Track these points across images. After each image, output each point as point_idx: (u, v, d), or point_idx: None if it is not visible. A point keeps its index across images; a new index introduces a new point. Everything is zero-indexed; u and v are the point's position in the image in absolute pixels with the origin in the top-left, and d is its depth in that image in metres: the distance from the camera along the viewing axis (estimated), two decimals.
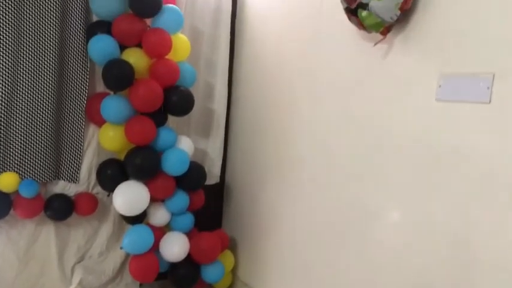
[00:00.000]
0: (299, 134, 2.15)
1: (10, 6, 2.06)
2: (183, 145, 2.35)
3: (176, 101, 2.26)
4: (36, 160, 2.21)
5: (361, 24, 1.56)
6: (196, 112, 2.60)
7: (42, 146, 2.21)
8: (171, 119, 2.45)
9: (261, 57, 2.47)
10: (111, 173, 2.22)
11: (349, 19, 1.62)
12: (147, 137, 2.17)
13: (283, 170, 2.27)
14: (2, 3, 2.04)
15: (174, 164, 2.26)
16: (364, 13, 1.51)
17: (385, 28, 1.52)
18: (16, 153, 2.16)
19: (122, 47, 2.19)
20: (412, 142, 1.52)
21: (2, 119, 2.11)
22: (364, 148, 1.73)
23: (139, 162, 2.17)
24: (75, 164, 2.33)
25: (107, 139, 2.22)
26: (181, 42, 2.33)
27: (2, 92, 2.10)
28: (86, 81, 2.27)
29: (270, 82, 2.40)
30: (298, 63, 2.16)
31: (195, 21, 2.57)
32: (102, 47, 2.11)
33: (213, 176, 2.73)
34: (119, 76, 2.09)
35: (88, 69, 2.27)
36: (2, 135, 2.12)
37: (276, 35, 2.35)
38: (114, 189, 2.18)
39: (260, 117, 2.49)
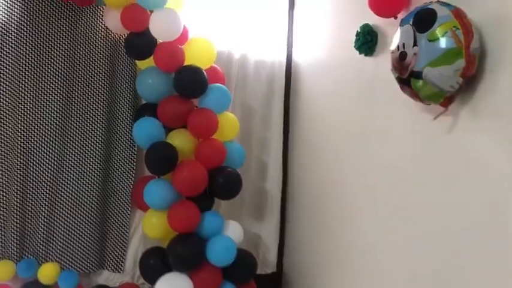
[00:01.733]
0: (365, 214, 1.87)
1: (61, 90, 2.11)
2: (231, 231, 2.15)
3: (222, 183, 2.10)
4: (80, 249, 2.14)
5: (416, 96, 1.32)
6: (248, 193, 2.43)
7: (86, 233, 2.15)
8: (222, 201, 2.29)
9: (316, 134, 2.28)
10: (154, 264, 2.06)
11: (402, 90, 1.39)
12: (190, 224, 2.02)
13: (350, 256, 1.97)
14: (53, 90, 2.09)
15: (219, 253, 2.05)
16: (418, 83, 1.28)
17: (445, 99, 1.27)
18: (59, 242, 2.11)
19: (169, 129, 2.14)
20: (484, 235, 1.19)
21: (46, 206, 2.09)
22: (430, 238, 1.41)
23: (181, 252, 2.00)
24: (120, 253, 2.23)
25: (151, 226, 2.09)
26: (229, 121, 2.21)
27: (47, 179, 2.09)
28: (133, 165, 2.22)
29: (327, 160, 2.18)
30: (353, 141, 1.93)
31: (247, 98, 2.47)
32: (146, 130, 2.05)
33: (268, 264, 2.48)
34: (160, 159, 2.00)
35: (135, 153, 2.23)
36: (44, 223, 2.08)
37: (330, 113, 2.16)
38: (156, 282, 2.01)
39: (319, 197, 2.25)
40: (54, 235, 2.11)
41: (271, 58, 2.50)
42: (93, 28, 2.15)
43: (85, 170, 2.16)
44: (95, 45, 2.16)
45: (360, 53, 1.79)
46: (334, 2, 2.14)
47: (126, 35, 2.07)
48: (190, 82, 2.06)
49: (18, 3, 2.03)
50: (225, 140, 2.17)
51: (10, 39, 2.03)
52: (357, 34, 1.79)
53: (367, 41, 1.75)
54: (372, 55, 1.76)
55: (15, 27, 2.04)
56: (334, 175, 2.09)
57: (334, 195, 2.09)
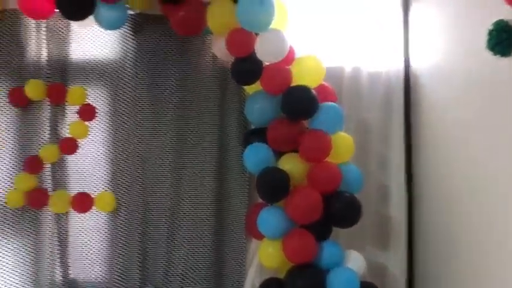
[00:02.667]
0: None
1: (173, 119, 2.16)
2: (352, 261, 1.96)
3: (339, 209, 1.93)
4: (197, 279, 2.13)
5: None
6: (369, 219, 2.22)
7: (203, 263, 2.14)
8: (341, 230, 2.12)
9: (445, 150, 2.01)
10: None
11: None
12: (306, 254, 1.88)
13: None
14: (166, 120, 2.14)
15: (341, 286, 1.88)
16: None
17: None
18: (177, 272, 2.13)
19: (280, 153, 2.05)
20: None
21: (164, 236, 2.13)
22: None
23: (301, 285, 1.87)
24: (237, 283, 2.17)
25: (266, 256, 2.00)
26: (343, 141, 2.04)
27: (164, 209, 2.14)
28: (245, 192, 2.18)
29: (461, 179, 1.90)
30: (494, 158, 1.65)
31: (361, 115, 2.29)
32: (255, 156, 1.98)
33: None
34: (271, 186, 1.91)
35: (247, 180, 2.18)
36: (164, 253, 2.12)
37: (460, 124, 1.89)
38: None
39: (451, 222, 1.97)
40: (173, 265, 2.14)
41: (386, 68, 2.29)
42: (201, 57, 2.17)
43: (199, 199, 2.17)
44: (204, 73, 2.18)
45: (495, 54, 1.53)
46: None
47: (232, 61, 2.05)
48: (299, 103, 1.95)
49: (132, 40, 2.13)
50: (339, 162, 2.01)
51: (126, 74, 2.14)
52: (489, 33, 1.53)
53: (502, 39, 1.49)
54: (510, 55, 1.49)
55: (131, 62, 2.14)
56: (472, 197, 1.81)
57: (475, 221, 1.80)
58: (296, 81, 1.99)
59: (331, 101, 2.05)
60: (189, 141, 2.18)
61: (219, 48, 2.07)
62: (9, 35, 2.08)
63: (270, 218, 1.94)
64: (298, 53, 2.07)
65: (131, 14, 2.09)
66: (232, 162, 2.20)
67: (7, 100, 2.08)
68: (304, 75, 2.00)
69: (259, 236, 2.05)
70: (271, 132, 2.00)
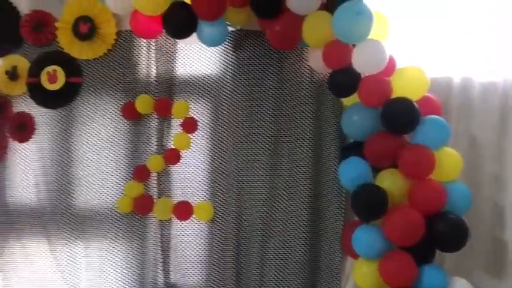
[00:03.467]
0: None
1: (269, 132, 2.17)
2: None
3: (443, 232, 1.79)
4: None
5: None
6: (479, 243, 2.03)
7: (297, 280, 2.13)
8: (446, 253, 1.96)
9: None
10: None
11: None
12: (405, 278, 1.77)
13: None
14: (262, 133, 2.17)
15: None
16: None
17: None
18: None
19: (378, 169, 1.95)
20: None
21: (258, 251, 2.14)
22: None
23: None
24: None
25: (361, 276, 1.93)
26: (449, 157, 1.89)
27: (258, 222, 2.16)
28: (342, 209, 2.12)
29: None
30: None
31: (472, 129, 2.10)
32: (351, 171, 1.92)
33: None
34: (368, 204, 1.83)
35: (343, 196, 2.12)
36: (257, 268, 2.14)
37: None
38: None
39: None
40: (266, 280, 2.14)
41: (502, 78, 2.08)
42: (298, 69, 2.17)
43: (293, 212, 2.16)
44: (300, 86, 2.17)
45: None
46: None
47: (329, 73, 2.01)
48: (400, 116, 1.85)
49: (232, 55, 2.20)
50: (445, 180, 1.86)
51: (226, 88, 2.20)
52: None
53: None
54: None
55: (230, 76, 2.20)
56: None
57: None
58: (397, 93, 1.89)
59: (436, 114, 1.91)
60: (285, 153, 2.17)
61: (316, 61, 2.05)
62: (123, 53, 2.26)
63: (365, 237, 1.87)
64: (400, 63, 1.97)
65: (231, 31, 2.16)
66: (328, 176, 2.15)
67: (120, 114, 2.25)
68: (405, 87, 1.89)
69: (355, 255, 1.98)
70: (369, 146, 1.92)
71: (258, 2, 1.89)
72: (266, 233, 2.17)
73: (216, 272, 2.19)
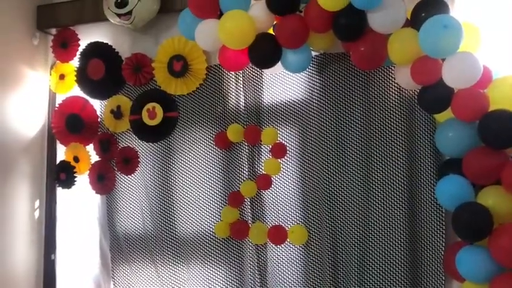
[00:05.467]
0: None
1: (360, 153, 2.15)
2: None
3: None
4: None
5: None
6: None
7: None
8: None
9: None
10: None
11: None
12: None
13: None
14: (353, 154, 2.15)
15: None
16: None
17: None
18: None
19: (479, 186, 1.85)
20: None
21: (354, 270, 2.11)
22: None
23: None
24: None
25: None
26: None
27: (354, 241, 2.13)
28: (442, 229, 2.03)
29: None
30: None
31: None
32: (450, 189, 1.83)
33: None
34: (470, 224, 1.73)
35: (443, 216, 2.03)
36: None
37: None
38: None
39: None
40: None
41: None
42: (385, 88, 2.14)
43: (390, 234, 2.10)
44: (389, 104, 2.13)
45: None
46: None
47: (419, 90, 1.96)
48: (499, 130, 1.73)
49: (317, 79, 2.23)
50: None
51: (313, 112, 2.23)
52: None
53: None
54: None
55: (316, 100, 2.23)
56: None
57: None
58: (495, 105, 1.79)
59: None
60: (377, 174, 2.13)
61: (403, 78, 2.00)
62: (214, 86, 2.40)
63: (470, 259, 1.76)
64: (496, 74, 1.86)
65: (315, 55, 2.19)
66: (425, 196, 2.07)
67: (213, 143, 2.37)
68: (503, 98, 1.78)
69: (460, 278, 1.87)
70: (467, 163, 1.83)
71: (340, 27, 1.90)
72: (363, 256, 2.13)
73: None
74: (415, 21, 1.87)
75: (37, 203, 2.68)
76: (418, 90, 1.97)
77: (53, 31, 2.74)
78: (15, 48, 2.60)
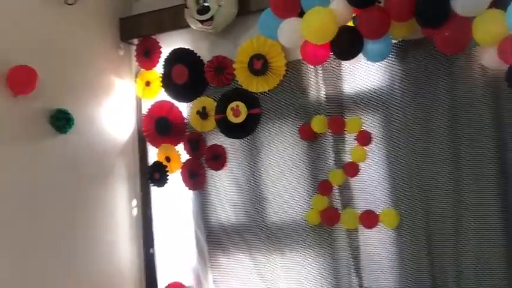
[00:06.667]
0: None
1: (445, 141, 2.20)
2: None
3: None
4: None
5: None
6: None
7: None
8: None
9: None
10: None
11: None
12: None
13: None
14: (437, 140, 2.22)
15: None
16: None
17: None
18: None
19: None
20: None
21: (450, 251, 2.17)
22: None
23: None
24: None
25: None
26: None
27: (447, 222, 2.18)
28: None
29: None
30: None
31: None
32: None
33: None
34: None
35: None
36: (452, 270, 2.16)
37: None
38: None
39: None
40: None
41: None
42: (469, 71, 2.16)
43: (483, 217, 2.13)
44: (474, 87, 2.15)
45: None
46: None
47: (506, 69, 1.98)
48: None
49: (398, 67, 2.29)
50: None
51: (395, 99, 2.29)
52: None
53: None
54: None
55: (398, 87, 2.28)
56: None
57: None
58: None
59: None
60: (465, 156, 2.16)
61: (489, 59, 2.03)
62: (294, 81, 2.50)
63: None
64: None
65: (395, 43, 2.25)
66: None
67: (298, 135, 2.49)
68: None
69: None
70: None
71: (424, 14, 1.95)
72: (458, 235, 2.17)
73: (410, 276, 2.26)
74: (500, 1, 1.89)
75: (134, 202, 2.90)
76: (503, 70, 1.99)
77: (135, 41, 2.93)
78: (103, 60, 2.81)
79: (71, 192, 2.48)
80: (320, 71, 2.46)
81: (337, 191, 2.42)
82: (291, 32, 2.20)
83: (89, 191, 2.60)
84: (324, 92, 2.44)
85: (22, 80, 2.16)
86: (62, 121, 2.39)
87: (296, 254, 2.50)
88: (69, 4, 2.49)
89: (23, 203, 2.23)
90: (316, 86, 2.47)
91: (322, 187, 2.42)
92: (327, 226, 2.43)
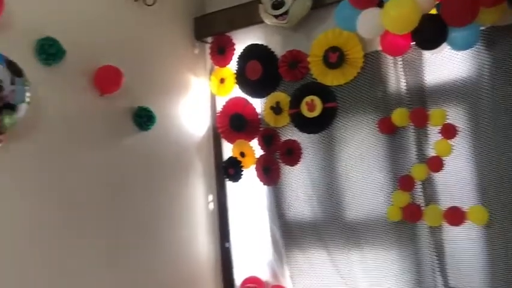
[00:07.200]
0: None
1: None
2: None
3: None
4: None
5: None
6: None
7: None
8: None
9: None
10: None
11: None
12: None
13: None
14: None
15: None
16: None
17: None
18: None
19: None
20: None
21: None
22: None
23: None
24: None
25: None
26: None
27: None
28: None
29: None
30: None
31: None
32: None
33: None
34: None
35: None
36: None
37: None
38: None
39: None
40: None
41: None
42: None
43: None
44: None
45: None
46: None
47: None
48: None
49: (486, 55, 2.15)
50: None
51: (483, 88, 2.17)
52: None
53: None
54: None
55: (486, 77, 2.16)
56: None
57: None
58: None
59: None
60: None
61: None
62: (372, 73, 2.43)
63: None
64: None
65: (482, 30, 2.12)
66: None
67: (376, 129, 2.42)
68: None
69: None
70: None
71: None
72: None
73: (500, 277, 2.13)
74: None
75: (210, 197, 2.95)
76: None
77: (209, 39, 2.98)
78: (179, 59, 2.88)
79: (151, 188, 2.57)
80: (400, 62, 2.37)
81: (419, 186, 2.32)
82: (370, 23, 2.14)
83: (168, 187, 2.68)
84: (405, 84, 2.35)
85: (109, 79, 2.26)
86: (144, 118, 2.48)
87: (376, 251, 2.43)
88: (148, 5, 2.57)
89: (108, 198, 2.33)
90: (396, 78, 2.38)
91: (404, 182, 2.34)
92: (408, 222, 2.34)
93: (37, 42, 2.04)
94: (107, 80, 2.25)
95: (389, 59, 2.39)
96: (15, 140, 1.92)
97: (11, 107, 1.77)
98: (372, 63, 2.43)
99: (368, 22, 2.15)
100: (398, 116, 2.32)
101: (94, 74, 2.25)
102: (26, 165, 2.00)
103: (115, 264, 2.32)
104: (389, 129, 2.38)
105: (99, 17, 2.37)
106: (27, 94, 1.84)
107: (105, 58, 2.32)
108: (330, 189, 2.55)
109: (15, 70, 1.80)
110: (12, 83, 1.76)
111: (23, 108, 1.82)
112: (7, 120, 1.77)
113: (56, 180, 2.10)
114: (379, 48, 2.31)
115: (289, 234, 2.68)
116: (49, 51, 2.04)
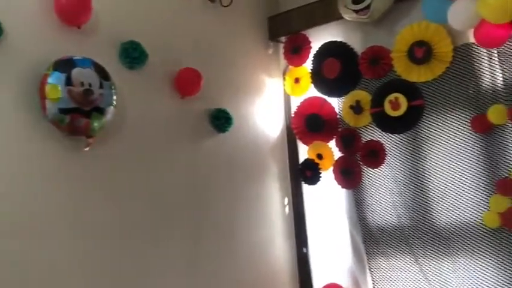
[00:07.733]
0: None
1: None
2: None
3: None
4: None
5: None
6: None
7: None
8: None
9: None
10: None
11: None
12: None
13: None
14: None
15: None
16: None
17: None
18: None
19: None
20: None
21: None
22: None
23: None
24: None
25: None
26: None
27: None
28: None
29: None
30: None
31: None
32: None
33: None
34: None
35: None
36: None
37: None
38: None
39: None
40: None
41: None
42: None
43: None
44: None
45: None
46: None
47: None
48: None
49: None
50: None
51: None
52: None
53: None
54: None
55: None
56: None
57: None
58: None
59: None
60: None
61: None
62: (463, 68, 2.25)
63: None
64: None
65: None
66: None
67: (469, 128, 2.23)
68: None
69: None
70: None
71: None
72: None
73: None
74: None
75: (286, 200, 2.88)
76: None
77: (282, 39, 2.91)
78: (254, 60, 2.83)
79: (228, 190, 2.54)
80: (495, 55, 2.18)
81: None
82: (464, 14, 1.99)
83: (244, 189, 2.64)
84: (502, 78, 2.16)
85: (190, 82, 2.25)
86: (221, 120, 2.45)
87: (470, 260, 2.24)
88: (224, 6, 2.54)
89: (191, 200, 2.33)
90: (491, 72, 2.19)
91: (503, 186, 2.13)
92: (508, 229, 2.14)
93: (121, 46, 2.06)
94: (187, 82, 2.24)
95: (483, 51, 2.20)
96: (103, 143, 1.95)
97: (100, 111, 1.79)
98: (463, 57, 2.25)
99: (461, 13, 2.00)
100: (495, 113, 2.13)
101: (175, 77, 2.25)
102: (112, 167, 2.02)
103: (194, 265, 2.31)
104: (484, 128, 2.19)
105: (177, 20, 2.37)
106: (114, 97, 1.86)
107: (184, 60, 2.32)
108: (417, 194, 2.40)
109: (103, 74, 1.82)
110: (101, 87, 1.78)
111: (110, 112, 1.84)
112: (96, 123, 1.79)
113: (142, 182, 2.12)
114: (471, 40, 2.16)
115: (372, 239, 2.55)
116: (133, 54, 2.05)
